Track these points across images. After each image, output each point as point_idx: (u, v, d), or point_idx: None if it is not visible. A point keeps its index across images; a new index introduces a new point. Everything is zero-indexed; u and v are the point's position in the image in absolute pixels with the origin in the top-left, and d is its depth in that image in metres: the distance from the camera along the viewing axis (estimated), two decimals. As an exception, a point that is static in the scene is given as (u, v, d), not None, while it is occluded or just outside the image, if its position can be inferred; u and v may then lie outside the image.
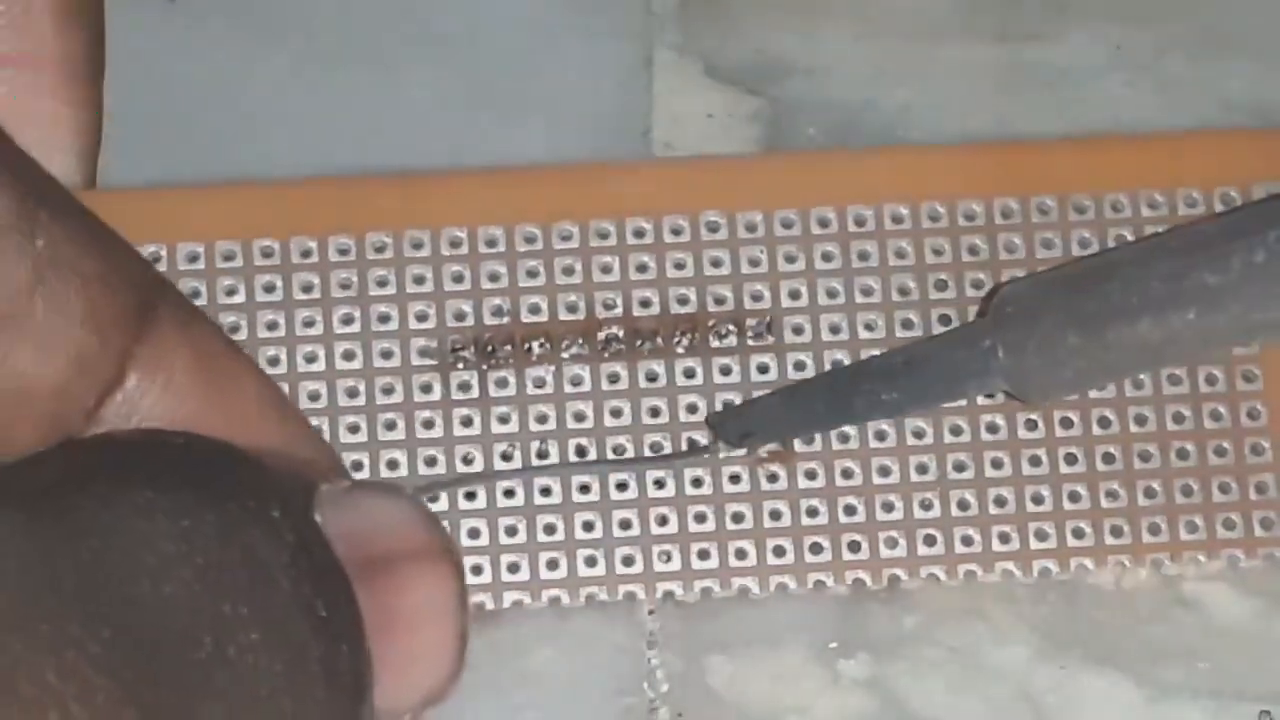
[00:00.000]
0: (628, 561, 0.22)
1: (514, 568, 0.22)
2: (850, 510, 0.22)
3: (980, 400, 0.22)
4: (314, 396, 0.22)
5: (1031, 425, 0.22)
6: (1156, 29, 0.26)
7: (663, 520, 0.22)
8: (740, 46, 0.26)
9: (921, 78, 0.26)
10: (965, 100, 0.26)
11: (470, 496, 0.22)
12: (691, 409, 0.22)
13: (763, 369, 0.22)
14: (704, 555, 0.22)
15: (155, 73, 0.25)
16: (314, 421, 0.21)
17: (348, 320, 0.22)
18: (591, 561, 0.22)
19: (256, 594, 0.14)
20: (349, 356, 0.22)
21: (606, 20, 0.26)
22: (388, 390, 0.22)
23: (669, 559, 0.22)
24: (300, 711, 0.14)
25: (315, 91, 0.25)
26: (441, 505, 0.22)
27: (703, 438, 0.22)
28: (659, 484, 0.22)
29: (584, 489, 0.22)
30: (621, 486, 0.22)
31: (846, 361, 0.22)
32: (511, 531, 0.22)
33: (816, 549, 0.22)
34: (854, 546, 0.22)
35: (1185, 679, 0.23)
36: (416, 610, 0.15)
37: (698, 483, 0.22)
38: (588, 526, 0.22)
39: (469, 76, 0.25)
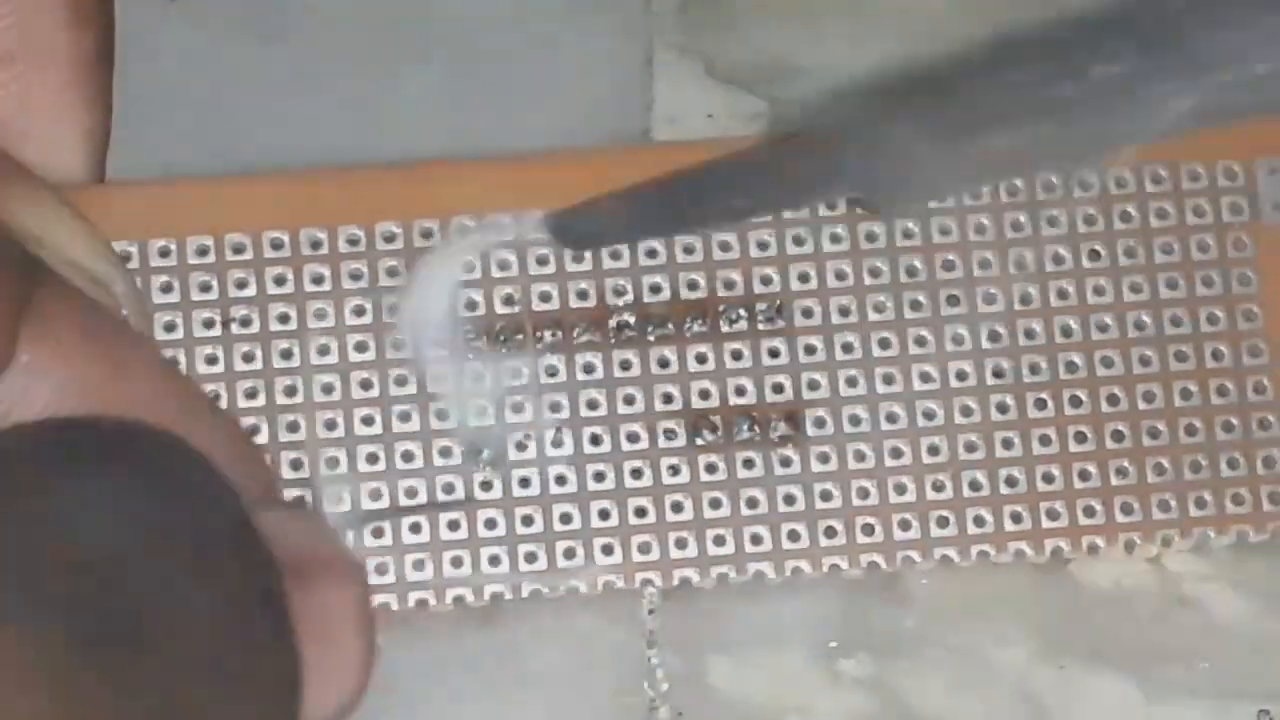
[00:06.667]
0: (642, 549, 0.22)
1: (531, 557, 0.22)
2: (863, 493, 0.22)
3: (990, 380, 0.22)
4: (328, 389, 0.22)
5: (1041, 405, 0.22)
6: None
7: (678, 507, 0.22)
8: (740, 46, 0.26)
9: (921, 78, 0.26)
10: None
11: (486, 486, 0.22)
12: (704, 395, 0.22)
13: (774, 353, 0.22)
14: (719, 541, 0.22)
15: (159, 69, 0.25)
16: (328, 415, 0.22)
17: (359, 312, 0.22)
18: (608, 550, 0.22)
19: (204, 563, 0.14)
20: (361, 348, 0.22)
21: (606, 19, 0.26)
22: (400, 382, 0.22)
23: (684, 546, 0.22)
24: (248, 677, 0.13)
25: (317, 86, 0.25)
26: (458, 498, 0.22)
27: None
28: (674, 470, 0.22)
29: (599, 477, 0.22)
30: (637, 474, 0.22)
31: (857, 346, 0.22)
32: (528, 521, 0.22)
33: (831, 533, 0.22)
34: (868, 529, 0.22)
35: (1185, 678, 0.23)
36: (330, 621, 0.15)
37: (712, 468, 0.22)
38: (604, 515, 0.22)
39: (468, 77, 0.25)
